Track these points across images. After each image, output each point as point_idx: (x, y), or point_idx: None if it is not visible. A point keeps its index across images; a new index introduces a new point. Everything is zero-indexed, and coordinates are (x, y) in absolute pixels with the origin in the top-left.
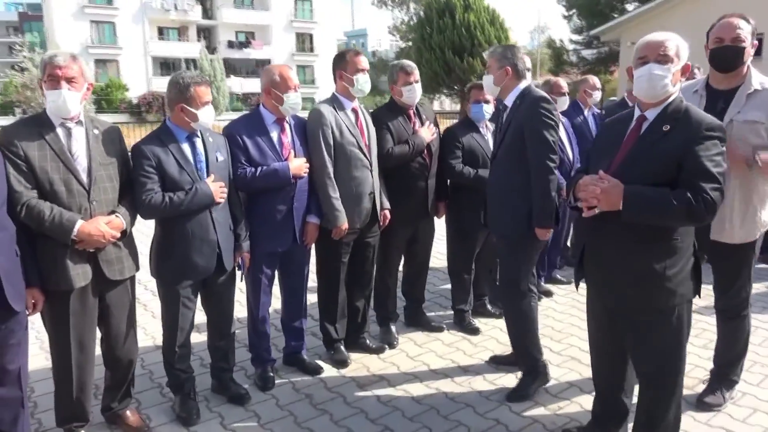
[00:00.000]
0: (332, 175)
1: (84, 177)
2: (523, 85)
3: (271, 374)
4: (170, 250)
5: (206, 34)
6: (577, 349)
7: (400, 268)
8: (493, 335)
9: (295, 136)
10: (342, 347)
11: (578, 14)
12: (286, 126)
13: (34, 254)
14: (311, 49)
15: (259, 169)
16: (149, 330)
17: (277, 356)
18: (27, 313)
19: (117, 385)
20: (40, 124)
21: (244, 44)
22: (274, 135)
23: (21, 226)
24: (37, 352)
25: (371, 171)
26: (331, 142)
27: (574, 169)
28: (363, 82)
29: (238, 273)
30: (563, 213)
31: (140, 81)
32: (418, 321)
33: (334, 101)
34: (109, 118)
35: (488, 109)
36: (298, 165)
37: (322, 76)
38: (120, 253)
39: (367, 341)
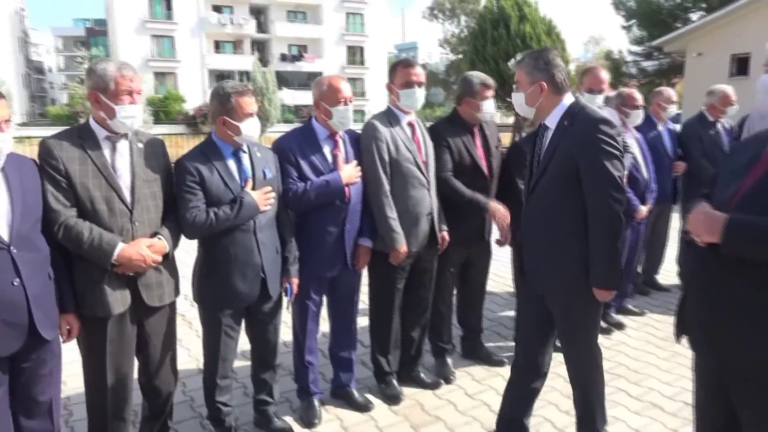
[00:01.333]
0: (389, 193)
1: (127, 195)
2: (567, 100)
3: (318, 408)
4: (212, 274)
5: (260, 47)
6: (658, 394)
7: (454, 293)
8: (561, 373)
9: (349, 152)
10: (394, 381)
11: (638, 24)
12: (340, 141)
13: (71, 277)
14: (362, 62)
15: (309, 183)
16: (193, 351)
17: (324, 387)
18: (62, 340)
19: (154, 416)
20: (83, 137)
21: (297, 57)
22: (327, 150)
23: (57, 247)
24: (78, 371)
25: (429, 190)
26: (387, 158)
27: (649, 189)
28: (409, 95)
29: (285, 300)
30: (632, 238)
31: (197, 93)
32: (476, 353)
33: (389, 114)
34: (166, 129)
35: None
36: (350, 172)
37: (373, 89)
38: (160, 278)
39: (422, 375)
